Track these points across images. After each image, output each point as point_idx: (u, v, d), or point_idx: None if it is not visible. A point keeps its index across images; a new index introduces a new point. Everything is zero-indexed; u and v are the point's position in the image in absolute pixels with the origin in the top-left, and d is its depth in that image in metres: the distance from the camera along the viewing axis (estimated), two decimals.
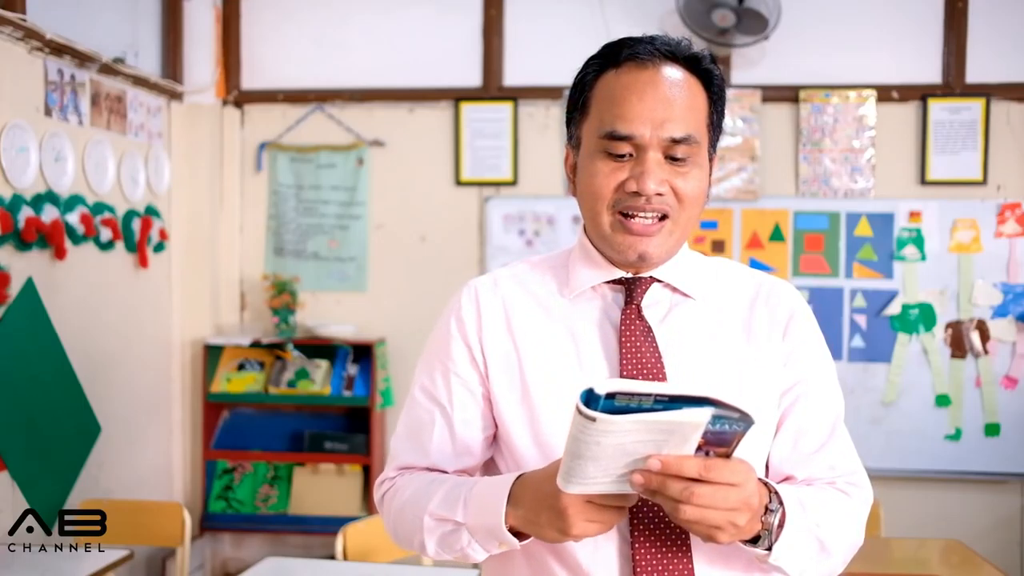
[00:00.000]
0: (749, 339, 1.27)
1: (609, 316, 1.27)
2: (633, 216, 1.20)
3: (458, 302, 1.33)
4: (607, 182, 1.21)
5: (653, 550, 1.17)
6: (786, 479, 1.27)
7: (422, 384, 1.33)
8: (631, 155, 1.20)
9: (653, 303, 1.28)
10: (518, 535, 1.14)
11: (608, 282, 1.28)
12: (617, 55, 1.23)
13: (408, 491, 1.27)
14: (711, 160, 1.27)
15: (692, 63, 1.23)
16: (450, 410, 1.29)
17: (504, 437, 1.29)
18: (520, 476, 1.14)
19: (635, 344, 1.23)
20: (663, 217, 1.21)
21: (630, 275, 1.27)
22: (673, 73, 1.21)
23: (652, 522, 1.17)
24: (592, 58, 1.26)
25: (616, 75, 1.22)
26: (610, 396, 0.94)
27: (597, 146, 1.22)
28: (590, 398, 0.94)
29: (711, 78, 1.24)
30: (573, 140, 1.29)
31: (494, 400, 1.28)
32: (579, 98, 1.27)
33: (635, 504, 1.16)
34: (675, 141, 1.19)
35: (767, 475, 1.28)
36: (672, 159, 1.20)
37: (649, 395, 0.94)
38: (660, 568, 1.17)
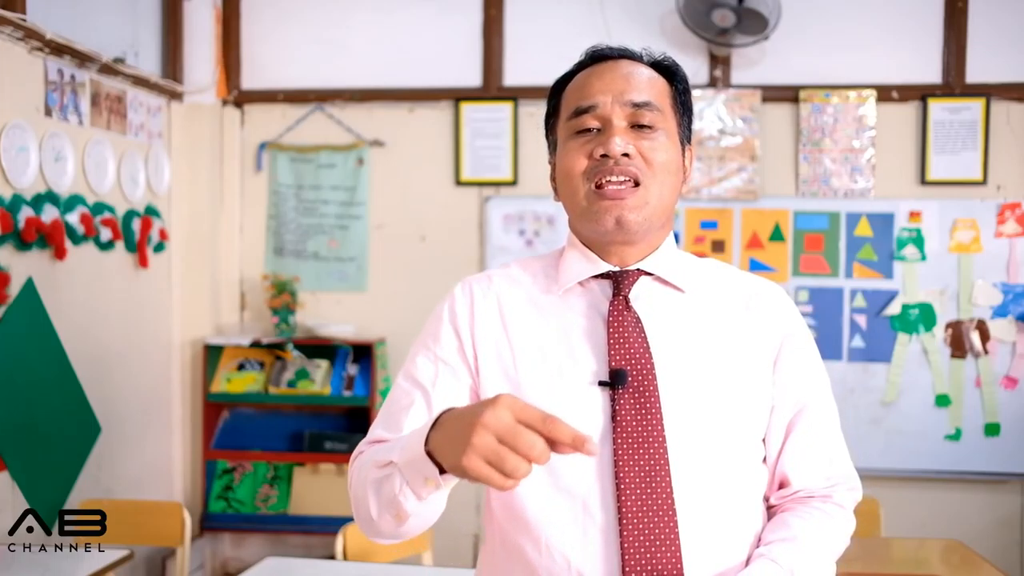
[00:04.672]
0: (739, 341, 1.29)
1: (598, 308, 1.29)
2: (605, 184, 1.24)
3: (452, 296, 1.35)
4: (578, 156, 1.27)
5: (642, 542, 1.18)
6: (783, 485, 1.32)
7: (406, 370, 1.33)
8: (598, 129, 1.26)
9: (643, 295, 1.30)
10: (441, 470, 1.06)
11: (597, 276, 1.30)
12: (583, 60, 1.33)
13: (367, 454, 1.23)
14: (685, 149, 1.33)
15: (654, 64, 1.32)
16: (431, 391, 1.28)
17: None
18: (451, 407, 1.08)
19: (623, 335, 1.25)
20: (636, 184, 1.24)
21: (617, 268, 1.29)
22: (633, 63, 1.31)
23: (640, 514, 1.19)
24: (564, 73, 1.35)
25: (581, 73, 1.32)
26: None
27: (567, 131, 1.29)
28: None
29: (674, 74, 1.32)
30: (551, 146, 1.36)
31: (483, 395, 1.29)
32: (552, 104, 1.35)
33: (623, 496, 1.19)
34: (636, 105, 1.25)
35: (770, 479, 1.32)
36: (638, 127, 1.26)
37: None
38: (649, 561, 1.18)
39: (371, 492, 1.17)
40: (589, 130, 1.26)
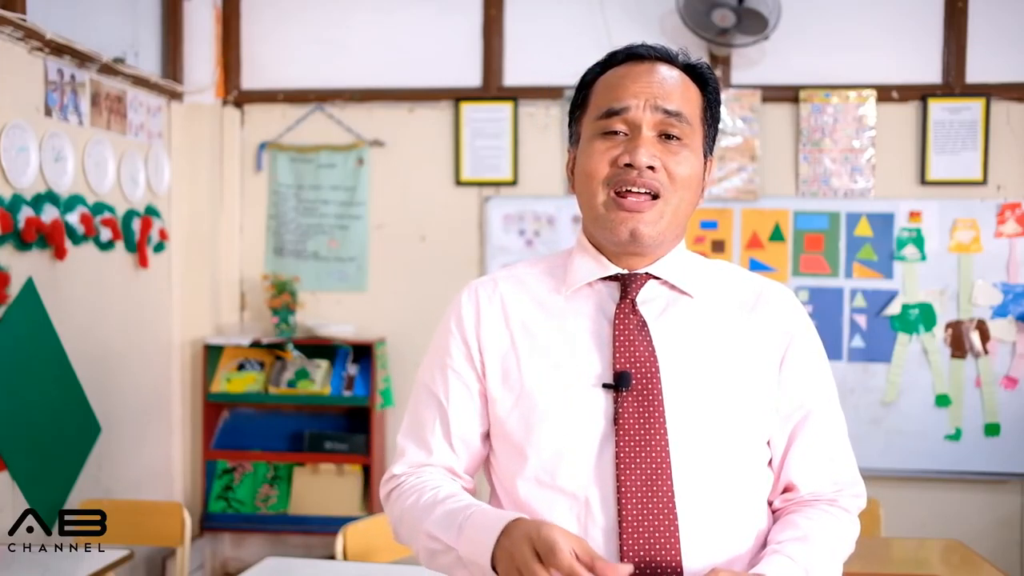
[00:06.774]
0: (745, 344, 1.29)
1: (604, 311, 1.29)
2: (626, 194, 1.23)
3: (459, 302, 1.36)
4: (601, 159, 1.25)
5: (641, 544, 1.18)
6: (788, 489, 1.31)
7: (423, 381, 1.36)
8: (625, 134, 1.25)
9: (650, 299, 1.29)
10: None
11: (605, 278, 1.30)
12: (617, 56, 1.30)
13: (410, 499, 1.29)
14: (707, 160, 1.31)
15: (688, 68, 1.30)
16: (447, 406, 1.32)
17: (498, 434, 1.31)
18: (517, 519, 1.15)
19: (628, 338, 1.25)
20: (655, 197, 1.23)
21: (626, 271, 1.29)
22: (668, 67, 1.28)
23: (640, 516, 1.19)
24: (595, 64, 1.33)
25: (615, 70, 1.29)
26: None
27: (593, 129, 1.27)
28: None
29: (706, 82, 1.30)
30: (573, 138, 1.34)
31: (490, 397, 1.31)
32: (580, 96, 1.32)
33: (623, 498, 1.19)
34: (667, 112, 1.23)
35: (774, 482, 1.31)
36: (666, 137, 1.24)
37: None
38: (649, 562, 1.19)
39: (423, 554, 1.26)
40: (616, 133, 1.25)
